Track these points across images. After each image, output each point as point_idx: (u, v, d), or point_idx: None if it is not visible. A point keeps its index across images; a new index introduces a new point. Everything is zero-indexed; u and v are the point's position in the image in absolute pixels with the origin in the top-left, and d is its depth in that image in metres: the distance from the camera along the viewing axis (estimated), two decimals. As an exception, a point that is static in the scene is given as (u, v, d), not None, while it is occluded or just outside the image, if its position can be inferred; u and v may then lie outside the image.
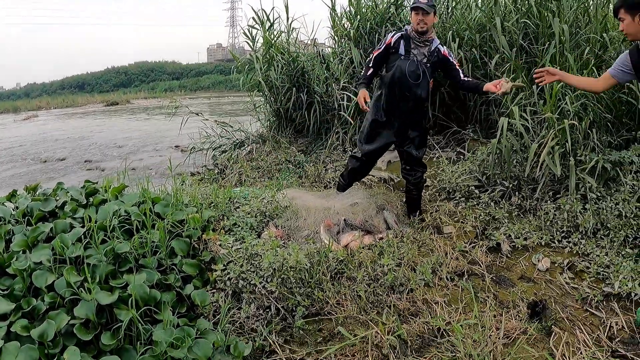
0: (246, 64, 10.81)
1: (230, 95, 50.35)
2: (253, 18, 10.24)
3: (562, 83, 5.33)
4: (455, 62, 5.40)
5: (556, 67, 5.53)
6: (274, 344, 3.75)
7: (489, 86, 5.16)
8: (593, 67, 5.75)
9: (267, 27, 10.19)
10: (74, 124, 29.55)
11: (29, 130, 27.04)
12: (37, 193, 5.27)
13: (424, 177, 5.85)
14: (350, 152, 6.42)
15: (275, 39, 10.24)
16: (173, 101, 11.20)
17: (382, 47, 5.47)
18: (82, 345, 3.40)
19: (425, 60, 5.31)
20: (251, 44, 10.57)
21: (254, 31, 10.46)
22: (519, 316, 3.89)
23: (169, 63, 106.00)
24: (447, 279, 4.39)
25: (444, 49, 5.36)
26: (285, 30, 10.48)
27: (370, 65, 5.55)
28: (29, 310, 3.56)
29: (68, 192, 5.19)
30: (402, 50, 5.34)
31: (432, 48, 5.34)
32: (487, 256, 4.82)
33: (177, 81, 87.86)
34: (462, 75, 5.43)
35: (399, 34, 5.41)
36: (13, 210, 4.88)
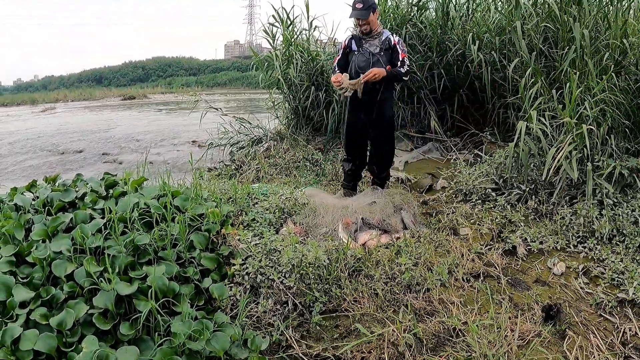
0: (265, 61, 10.86)
1: (247, 92, 50.19)
2: (273, 16, 10.26)
3: (582, 87, 5.37)
4: (400, 52, 5.77)
5: (575, 75, 5.55)
6: (291, 338, 3.77)
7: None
8: (612, 73, 5.72)
9: (287, 25, 10.22)
10: (91, 117, 29.54)
11: (47, 122, 26.98)
12: (57, 184, 5.31)
13: (389, 174, 6.56)
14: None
15: (295, 37, 10.27)
16: (193, 95, 11.21)
17: (341, 52, 6.07)
18: (100, 334, 3.44)
19: (377, 50, 5.79)
20: (271, 41, 10.59)
21: (274, 29, 10.51)
22: (533, 319, 3.90)
23: (186, 59, 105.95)
24: (463, 280, 4.41)
25: (394, 39, 5.83)
26: (306, 29, 10.52)
27: (336, 71, 5.95)
28: (48, 299, 3.61)
29: (87, 183, 5.25)
30: (354, 47, 5.93)
31: (383, 38, 5.84)
32: (502, 259, 4.83)
33: (194, 77, 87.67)
34: (398, 65, 5.74)
35: (349, 36, 6.03)
36: (33, 200, 4.95)
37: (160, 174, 5.34)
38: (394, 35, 5.85)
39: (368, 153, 6.42)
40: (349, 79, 5.61)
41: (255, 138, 10.68)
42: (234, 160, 9.70)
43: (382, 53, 5.75)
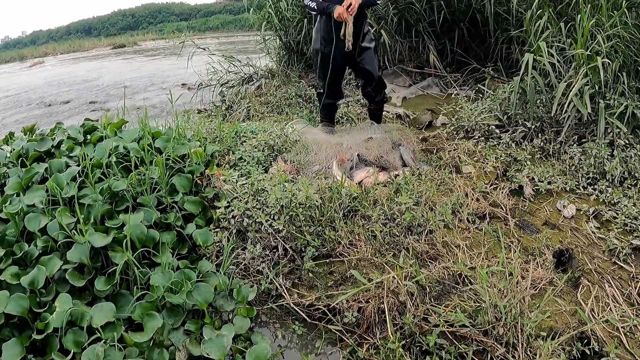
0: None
1: (240, 35, 49.90)
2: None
3: (594, 20, 5.05)
4: None
5: (586, 7, 5.24)
6: (281, 287, 3.60)
7: (339, 10, 5.14)
8: (624, 8, 5.36)
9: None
10: (80, 68, 29.24)
11: (35, 76, 26.75)
12: (34, 134, 5.17)
13: (386, 94, 6.12)
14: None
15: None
16: (178, 37, 10.88)
17: None
18: (77, 291, 3.32)
19: None
20: (261, -28, 10.23)
21: (264, -41, 10.11)
22: (545, 265, 3.66)
23: (176, 4, 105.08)
24: (468, 221, 4.15)
25: None
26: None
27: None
28: (21, 256, 3.46)
29: (66, 131, 5.08)
30: None
31: None
32: (509, 199, 4.56)
33: (186, 22, 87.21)
34: None
35: None
36: (9, 153, 4.78)
37: (144, 113, 5.07)
38: None
39: (360, 82, 6.22)
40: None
41: (245, 76, 10.42)
42: (225, 100, 9.41)
43: None
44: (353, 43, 5.23)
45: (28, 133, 5.15)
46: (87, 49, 54.11)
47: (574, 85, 5.08)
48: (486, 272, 3.18)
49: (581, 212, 4.40)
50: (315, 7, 5.36)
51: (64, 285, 3.29)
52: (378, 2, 5.50)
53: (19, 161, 4.51)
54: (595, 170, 4.82)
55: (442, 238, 3.88)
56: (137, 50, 42.49)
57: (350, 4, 5.06)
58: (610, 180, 4.70)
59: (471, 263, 3.62)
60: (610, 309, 3.33)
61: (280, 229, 3.78)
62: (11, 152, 4.74)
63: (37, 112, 14.19)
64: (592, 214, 4.36)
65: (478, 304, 3.15)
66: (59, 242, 3.49)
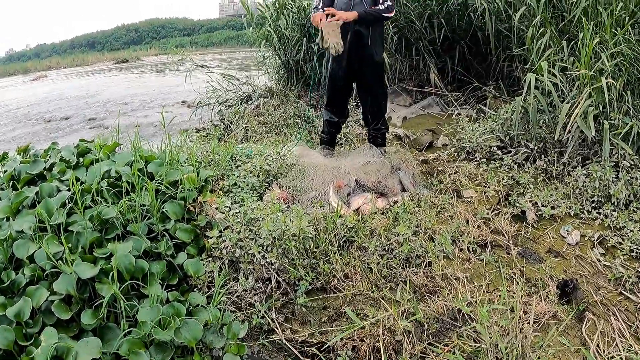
0: (257, 16, 10.45)
1: (243, 51, 50.26)
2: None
3: (598, 39, 4.99)
4: None
5: (589, 25, 5.16)
6: (273, 322, 3.48)
7: (315, 17, 5.22)
8: (629, 26, 5.27)
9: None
10: (82, 82, 29.48)
11: (37, 90, 26.97)
12: (28, 155, 5.07)
13: (387, 125, 5.97)
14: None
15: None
16: (176, 53, 10.83)
17: None
18: (64, 323, 3.22)
19: None
20: (261, -9, 10.20)
21: (265, -22, 10.11)
22: (548, 297, 3.53)
23: (180, 19, 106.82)
24: (469, 251, 4.02)
25: None
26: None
27: (320, 6, 5.43)
28: (8, 284, 3.38)
29: (60, 152, 4.99)
30: None
31: None
32: (511, 225, 4.44)
33: (189, 37, 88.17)
34: (379, 4, 5.25)
35: None
36: (1, 174, 4.70)
37: (145, 139, 5.00)
38: None
39: (361, 105, 6.07)
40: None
41: (244, 95, 10.39)
42: (223, 119, 9.34)
43: None
44: (351, 53, 5.26)
45: (22, 153, 5.07)
46: (90, 63, 54.86)
47: (577, 107, 4.96)
48: (487, 310, 3.06)
49: (586, 238, 4.28)
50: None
51: (50, 317, 3.19)
52: (389, 15, 5.31)
53: (11, 184, 4.43)
54: (600, 194, 4.70)
55: (442, 270, 3.75)
56: (139, 66, 42.94)
57: (333, 15, 5.06)
58: (616, 204, 4.57)
59: (471, 297, 3.49)
60: (616, 344, 3.20)
61: (273, 261, 3.67)
62: (3, 173, 4.64)
63: (36, 127, 14.25)
64: (597, 240, 4.23)
65: (478, 344, 3.02)
66: (47, 272, 3.40)
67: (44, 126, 14.36)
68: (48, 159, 4.82)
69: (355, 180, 4.95)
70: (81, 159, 4.79)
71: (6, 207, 3.98)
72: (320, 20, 5.09)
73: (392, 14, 5.27)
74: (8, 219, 3.90)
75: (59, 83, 30.62)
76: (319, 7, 5.41)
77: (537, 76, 5.43)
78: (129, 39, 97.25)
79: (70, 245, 3.45)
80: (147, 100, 17.35)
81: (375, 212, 4.45)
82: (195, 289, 3.71)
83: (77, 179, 4.18)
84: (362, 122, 6.31)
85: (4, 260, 3.55)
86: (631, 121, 4.95)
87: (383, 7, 5.18)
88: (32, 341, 3.04)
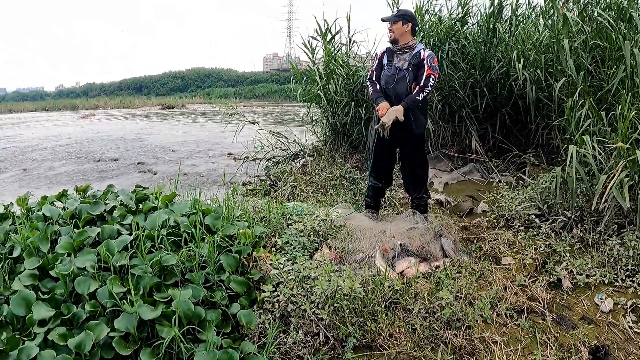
0: (303, 75, 10.76)
1: (285, 105, 50.64)
2: (315, 30, 10.18)
3: (635, 110, 5.23)
4: (426, 68, 5.54)
5: (627, 96, 5.36)
6: None
7: (381, 106, 5.65)
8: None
9: (328, 39, 10.11)
10: (129, 125, 30.08)
11: (85, 128, 27.63)
12: (87, 194, 5.29)
13: (429, 193, 6.25)
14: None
15: (336, 51, 10.16)
16: (229, 108, 11.14)
17: (376, 62, 6.01)
18: (120, 359, 3.37)
19: (405, 66, 5.68)
20: (310, 55, 10.50)
21: (314, 42, 10.42)
22: (580, 362, 3.69)
23: (224, 70, 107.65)
24: (506, 316, 4.19)
25: (425, 54, 5.61)
26: (344, 44, 10.42)
27: (374, 79, 5.95)
28: (69, 317, 3.54)
29: (118, 195, 5.22)
30: (385, 61, 5.90)
31: (414, 53, 5.68)
32: (547, 292, 4.59)
33: (233, 88, 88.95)
34: (420, 82, 5.55)
35: (384, 50, 5.99)
36: (62, 210, 4.90)
37: (193, 187, 5.26)
38: (426, 50, 5.68)
39: (402, 174, 6.40)
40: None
41: (291, 153, 10.63)
42: (269, 175, 9.55)
43: (410, 69, 5.64)
44: (398, 130, 5.58)
45: (81, 193, 5.29)
46: (137, 106, 56.04)
47: (614, 178, 5.15)
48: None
49: (619, 306, 4.40)
50: (371, 93, 5.91)
51: (109, 352, 3.37)
52: (422, 100, 5.59)
53: (72, 221, 4.67)
54: (633, 262, 4.81)
55: (480, 333, 3.94)
56: (184, 113, 43.46)
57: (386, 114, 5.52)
58: (649, 273, 4.68)
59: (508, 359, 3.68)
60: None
61: (324, 317, 3.86)
62: (64, 210, 4.87)
63: (86, 166, 14.77)
64: (629, 308, 4.34)
65: (513, 404, 3.23)
66: (107, 309, 3.59)
67: (94, 165, 14.88)
68: (107, 202, 5.05)
69: (400, 244, 5.14)
70: (140, 205, 5.04)
71: (68, 244, 4.18)
72: (379, 110, 5.58)
73: (429, 92, 5.57)
74: (69, 255, 4.09)
75: (107, 124, 31.41)
76: (373, 78, 5.89)
77: (578, 148, 5.63)
78: (175, 86, 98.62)
79: (132, 286, 3.61)
80: (194, 149, 17.77)
81: (419, 276, 4.64)
82: (246, 338, 3.85)
83: (138, 225, 4.38)
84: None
85: (65, 293, 3.74)
86: (666, 190, 5.07)
87: (420, 98, 5.53)
88: (91, 373, 3.22)
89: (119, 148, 18.29)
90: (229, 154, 15.64)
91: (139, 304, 3.53)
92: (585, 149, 5.54)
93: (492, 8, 9.13)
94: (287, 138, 10.90)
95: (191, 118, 36.02)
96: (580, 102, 6.30)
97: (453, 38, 9.23)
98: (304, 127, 11.53)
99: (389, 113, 5.46)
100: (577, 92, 6.39)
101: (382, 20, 5.80)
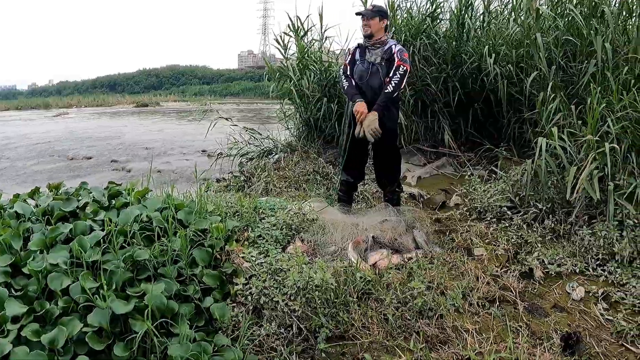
0: (277, 71, 10.73)
1: (260, 102, 50.61)
2: (288, 25, 10.16)
3: (604, 103, 5.31)
4: (397, 59, 5.62)
5: (596, 89, 5.41)
6: None
7: (359, 107, 5.65)
8: (633, 89, 5.55)
9: (301, 35, 10.10)
10: (103, 123, 29.90)
11: (59, 126, 27.35)
12: (60, 192, 5.23)
13: (401, 187, 6.41)
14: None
15: (309, 47, 10.17)
16: (203, 104, 11.10)
17: (349, 58, 6.04)
18: (94, 354, 3.33)
19: (378, 61, 5.75)
20: (283, 51, 10.50)
21: (287, 38, 10.43)
22: (552, 349, 3.70)
23: (199, 67, 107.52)
24: (478, 305, 4.21)
25: (395, 48, 5.70)
26: (317, 40, 10.41)
27: (348, 73, 5.99)
28: (42, 313, 3.49)
29: (91, 192, 5.16)
30: (358, 57, 5.93)
31: (386, 48, 5.75)
32: (519, 282, 4.63)
33: (208, 86, 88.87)
34: (390, 73, 5.62)
35: (356, 46, 6.04)
36: (34, 207, 4.84)
37: (166, 184, 5.23)
38: (397, 45, 5.74)
39: (374, 169, 6.42)
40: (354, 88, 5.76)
41: (265, 149, 10.59)
42: (243, 171, 9.53)
43: (383, 63, 5.71)
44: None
45: (54, 190, 5.22)
46: (111, 104, 55.75)
47: (583, 170, 5.21)
48: (493, 359, 3.28)
49: (590, 294, 4.45)
50: (345, 89, 5.88)
51: (82, 347, 3.32)
52: (395, 94, 5.65)
53: (44, 218, 4.61)
54: (604, 252, 4.87)
55: (452, 322, 3.94)
56: (159, 111, 43.12)
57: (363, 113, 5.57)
58: (620, 261, 4.75)
59: (480, 347, 3.67)
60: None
61: (296, 309, 3.84)
62: (36, 207, 4.82)
63: (59, 164, 14.63)
64: (601, 296, 4.40)
65: (485, 390, 3.24)
66: (80, 305, 3.53)
67: (67, 163, 14.73)
68: (80, 198, 4.98)
69: (373, 237, 5.14)
70: (113, 201, 4.99)
71: (40, 240, 4.13)
72: (358, 113, 5.58)
73: (398, 81, 5.60)
74: (42, 252, 4.04)
75: (81, 122, 31.13)
76: (348, 73, 5.90)
77: (548, 140, 5.68)
78: (149, 84, 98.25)
79: (104, 281, 3.55)
80: (168, 147, 17.68)
81: (391, 268, 4.63)
82: (220, 331, 3.82)
83: (110, 220, 4.34)
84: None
85: (38, 290, 3.68)
86: (635, 181, 5.15)
87: (390, 89, 5.56)
88: (64, 368, 3.19)
89: (92, 146, 18.13)
90: (203, 151, 15.57)
91: (111, 298, 3.50)
92: (555, 141, 5.56)
93: (461, 2, 9.17)
94: (260, 134, 10.87)
95: (165, 116, 35.79)
96: (551, 96, 6.37)
97: (424, 33, 9.24)
98: (278, 124, 11.54)
99: (370, 124, 5.50)
100: (549, 87, 6.46)
101: (358, 14, 5.82)
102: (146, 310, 3.44)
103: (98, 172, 13.15)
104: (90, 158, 15.61)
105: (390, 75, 5.56)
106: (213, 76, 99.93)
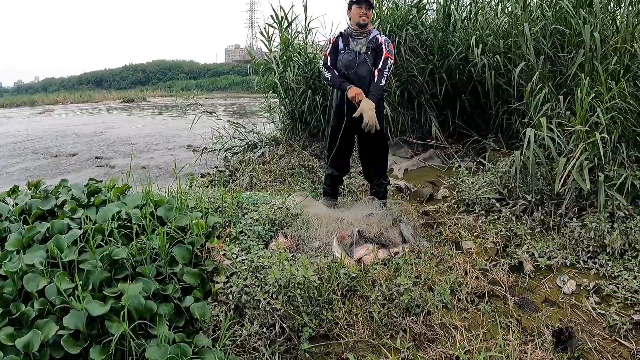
0: (262, 64, 10.63)
1: (247, 96, 50.65)
2: (271, 16, 10.05)
3: (593, 93, 5.23)
4: (384, 51, 5.56)
5: (585, 80, 5.33)
6: None
7: (355, 90, 5.42)
8: (622, 79, 5.48)
9: (284, 26, 10.00)
10: (89, 120, 29.83)
11: (44, 124, 27.31)
12: (39, 190, 5.12)
13: (388, 179, 6.22)
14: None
15: (292, 39, 10.07)
16: (188, 99, 11.00)
17: (330, 47, 5.87)
18: (70, 358, 3.24)
19: (364, 50, 5.63)
20: (267, 43, 10.44)
21: (271, 30, 10.34)
22: (544, 345, 3.62)
23: (186, 62, 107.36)
24: (467, 301, 4.11)
25: (382, 38, 5.63)
26: (303, 31, 10.31)
27: (329, 64, 5.81)
28: (17, 316, 3.41)
29: (70, 190, 5.05)
30: (341, 46, 5.77)
31: (370, 37, 5.65)
32: (509, 276, 4.53)
33: (195, 80, 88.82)
34: (379, 66, 5.53)
35: (338, 35, 5.90)
36: (12, 207, 4.74)
37: (148, 179, 5.13)
38: (382, 35, 5.66)
39: (360, 161, 6.31)
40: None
41: (249, 143, 10.50)
42: (228, 166, 9.43)
43: (369, 53, 5.61)
44: (351, 111, 5.41)
45: (33, 188, 5.13)
46: (97, 100, 55.93)
47: (573, 161, 5.12)
48: (483, 358, 3.17)
49: (581, 288, 4.36)
50: (330, 79, 5.67)
51: (58, 351, 3.24)
52: (384, 87, 5.57)
53: (22, 217, 4.50)
54: (595, 244, 4.79)
55: (441, 319, 3.83)
56: (145, 106, 43.21)
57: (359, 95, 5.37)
58: (611, 253, 4.67)
59: (469, 345, 3.58)
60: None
61: (278, 308, 3.75)
62: (14, 206, 4.72)
63: (43, 162, 14.56)
64: (592, 289, 4.31)
65: (475, 390, 3.13)
66: (56, 307, 3.45)
67: (51, 161, 14.67)
68: (59, 196, 4.90)
69: (358, 231, 5.04)
70: (92, 199, 4.89)
71: (17, 240, 4.05)
72: (355, 95, 5.38)
73: (388, 75, 5.53)
74: (18, 252, 3.97)
75: (66, 119, 31.15)
76: (329, 64, 5.74)
77: (536, 131, 5.58)
78: (136, 79, 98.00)
79: (80, 282, 3.49)
80: (153, 142, 17.61)
81: (377, 263, 4.53)
82: (200, 332, 3.74)
83: (88, 218, 4.25)
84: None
85: (14, 292, 3.60)
86: (626, 172, 5.09)
87: (383, 83, 5.48)
88: (39, 373, 3.10)
89: (77, 143, 18.07)
90: (188, 145, 15.48)
91: (87, 300, 3.42)
92: (543, 132, 5.46)
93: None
94: (244, 128, 10.78)
95: (151, 111, 35.85)
96: (539, 87, 6.29)
97: (410, 24, 9.14)
98: (264, 118, 11.42)
99: (368, 112, 5.28)
100: (537, 77, 6.38)
101: (359, 3, 5.62)
102: (122, 312, 3.35)
103: (82, 169, 13.08)
104: (75, 155, 15.52)
105: (380, 67, 5.46)
106: (200, 71, 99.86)
